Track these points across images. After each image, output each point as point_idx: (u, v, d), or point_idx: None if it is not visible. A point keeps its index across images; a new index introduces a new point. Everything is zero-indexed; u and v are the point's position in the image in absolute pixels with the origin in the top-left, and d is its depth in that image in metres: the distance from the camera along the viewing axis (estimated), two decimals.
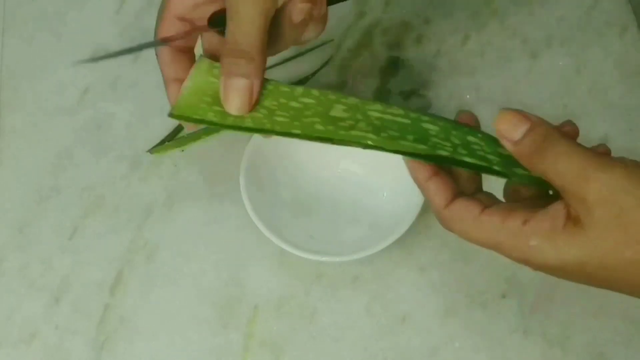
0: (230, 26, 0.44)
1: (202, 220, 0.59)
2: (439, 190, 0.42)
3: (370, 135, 0.43)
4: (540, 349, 0.54)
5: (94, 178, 0.61)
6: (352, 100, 0.44)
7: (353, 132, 0.43)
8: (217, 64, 0.45)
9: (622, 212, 0.37)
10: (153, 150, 0.62)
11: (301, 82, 0.64)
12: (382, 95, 0.64)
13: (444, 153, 0.43)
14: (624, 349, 0.54)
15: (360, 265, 0.57)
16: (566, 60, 0.65)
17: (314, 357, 0.54)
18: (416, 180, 0.43)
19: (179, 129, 0.63)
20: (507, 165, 0.42)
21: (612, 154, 0.40)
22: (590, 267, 0.38)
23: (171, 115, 0.45)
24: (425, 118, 0.44)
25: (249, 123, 0.44)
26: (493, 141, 0.43)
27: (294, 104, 0.44)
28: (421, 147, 0.43)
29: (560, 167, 0.38)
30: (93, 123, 0.63)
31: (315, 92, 0.45)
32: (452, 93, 0.64)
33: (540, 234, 0.39)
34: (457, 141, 0.43)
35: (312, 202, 0.58)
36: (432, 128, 0.43)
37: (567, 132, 0.41)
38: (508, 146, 0.40)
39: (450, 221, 0.42)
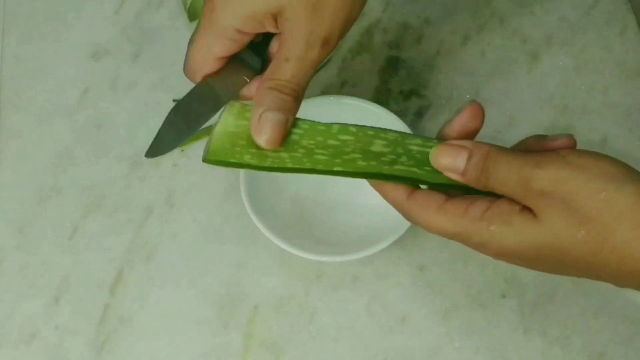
0: (289, 63, 0.44)
1: (202, 220, 0.59)
2: (396, 186, 0.43)
3: (414, 170, 0.43)
4: (540, 349, 0.54)
5: (94, 178, 0.61)
6: (391, 135, 0.44)
7: (396, 167, 0.43)
8: (248, 107, 0.44)
9: (567, 198, 0.38)
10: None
11: None
12: (382, 95, 0.64)
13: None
14: (624, 349, 0.54)
15: (360, 265, 0.57)
16: (566, 60, 0.65)
17: (314, 357, 0.54)
18: (371, 183, 0.44)
19: None
20: None
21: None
22: (546, 250, 0.39)
23: (206, 160, 0.43)
24: None
25: (288, 163, 0.43)
26: None
27: (331, 141, 0.44)
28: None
29: (503, 176, 0.40)
30: (93, 123, 0.63)
31: (352, 128, 0.44)
32: (452, 93, 0.64)
33: (499, 218, 0.40)
34: None
35: (312, 202, 0.58)
36: None
37: (563, 144, 0.42)
38: (456, 178, 0.41)
39: (414, 211, 0.43)
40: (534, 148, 0.43)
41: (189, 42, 0.47)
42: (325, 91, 0.64)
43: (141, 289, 0.57)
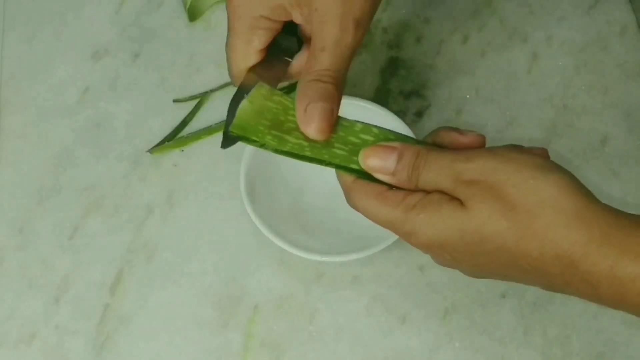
0: (325, 52, 0.44)
1: (202, 220, 0.59)
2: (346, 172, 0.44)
3: None
4: (540, 349, 0.54)
5: (94, 178, 0.61)
6: (411, 141, 0.44)
7: None
8: (276, 91, 0.45)
9: (495, 186, 0.39)
10: (153, 150, 0.62)
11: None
12: (382, 95, 0.64)
13: None
14: (624, 349, 0.54)
15: (360, 265, 0.57)
16: (566, 60, 0.65)
17: (314, 357, 0.54)
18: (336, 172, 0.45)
19: (179, 129, 0.63)
20: None
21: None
22: (469, 237, 0.40)
23: (231, 132, 0.44)
24: None
25: (307, 152, 0.44)
26: None
27: (352, 138, 0.44)
28: None
29: (433, 174, 0.41)
30: (93, 123, 0.63)
31: (375, 129, 0.44)
32: (452, 93, 0.64)
33: (429, 207, 0.41)
34: None
35: (312, 202, 0.58)
36: None
37: (471, 141, 0.43)
38: (387, 179, 0.42)
39: (355, 196, 0.43)
40: (445, 141, 0.44)
41: (226, 46, 0.47)
42: None
43: (141, 289, 0.57)
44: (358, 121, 0.45)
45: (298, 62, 0.48)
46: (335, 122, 0.44)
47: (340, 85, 0.44)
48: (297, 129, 0.44)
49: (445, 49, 0.66)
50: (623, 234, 0.37)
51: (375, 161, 0.42)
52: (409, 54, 0.66)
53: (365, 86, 0.64)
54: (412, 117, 0.63)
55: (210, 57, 0.66)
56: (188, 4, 0.67)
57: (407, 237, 0.42)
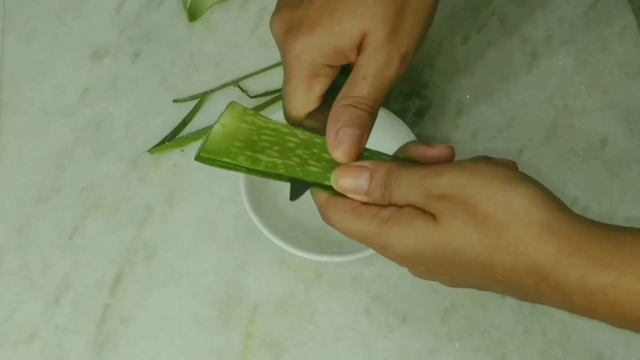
0: (365, 80, 0.44)
1: (202, 220, 0.59)
2: (320, 189, 0.44)
3: None
4: (541, 349, 0.54)
5: (94, 178, 0.61)
6: (384, 157, 0.45)
7: None
8: (249, 111, 0.45)
9: (466, 200, 0.39)
10: (153, 150, 0.62)
11: None
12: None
13: None
14: (624, 349, 0.54)
15: (360, 265, 0.57)
16: (566, 60, 0.65)
17: (314, 357, 0.54)
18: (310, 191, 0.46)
19: (179, 129, 0.63)
20: None
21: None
22: (442, 250, 0.40)
23: (199, 157, 0.44)
24: None
25: (280, 170, 0.44)
26: None
27: (326, 155, 0.44)
28: None
29: (405, 190, 0.41)
30: (93, 123, 0.63)
31: None
32: (452, 93, 0.64)
33: (403, 218, 0.41)
34: None
35: (313, 202, 0.58)
36: None
37: (440, 153, 0.43)
38: (360, 198, 0.42)
39: (330, 212, 0.44)
40: (414, 155, 0.44)
41: (282, 92, 0.47)
42: None
43: (141, 289, 0.57)
44: None
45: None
46: (362, 150, 0.44)
47: (375, 115, 0.45)
48: (271, 147, 0.44)
49: (445, 49, 0.66)
50: (593, 244, 0.38)
51: (347, 181, 0.43)
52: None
53: None
54: (412, 117, 0.63)
55: (210, 57, 0.66)
56: (188, 4, 0.67)
57: (382, 250, 0.43)
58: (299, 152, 0.44)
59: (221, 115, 0.44)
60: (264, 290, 0.57)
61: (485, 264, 0.39)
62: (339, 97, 0.45)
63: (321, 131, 0.45)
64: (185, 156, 0.62)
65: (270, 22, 0.47)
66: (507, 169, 0.40)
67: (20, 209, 0.60)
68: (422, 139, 0.56)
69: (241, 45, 0.67)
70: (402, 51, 0.44)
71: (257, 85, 0.65)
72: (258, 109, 0.63)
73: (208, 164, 0.44)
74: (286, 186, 0.44)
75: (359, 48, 0.45)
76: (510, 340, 0.54)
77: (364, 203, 0.43)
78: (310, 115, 0.47)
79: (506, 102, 0.64)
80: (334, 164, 0.44)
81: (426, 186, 0.40)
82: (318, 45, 0.45)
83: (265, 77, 0.65)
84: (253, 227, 0.54)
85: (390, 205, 0.42)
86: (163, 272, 0.57)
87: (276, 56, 0.66)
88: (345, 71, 0.48)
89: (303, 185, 0.44)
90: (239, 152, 0.43)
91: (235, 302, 0.56)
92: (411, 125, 0.58)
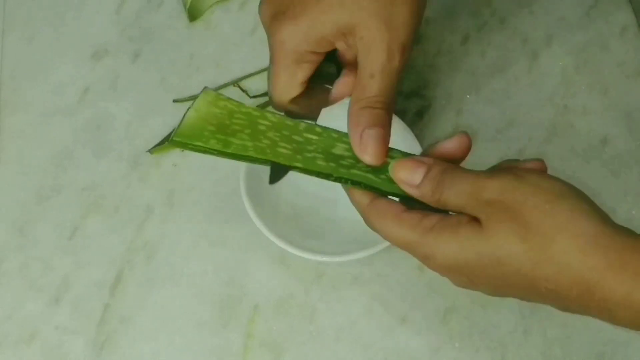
0: (374, 79, 0.45)
1: (202, 220, 0.59)
2: (362, 192, 0.45)
3: (370, 176, 0.45)
4: (541, 349, 0.54)
5: (94, 178, 0.61)
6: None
7: (353, 171, 0.45)
8: (222, 96, 0.45)
9: (513, 206, 0.39)
10: (153, 150, 0.62)
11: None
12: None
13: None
14: (623, 349, 0.54)
15: (360, 265, 0.57)
16: (566, 60, 0.65)
17: (314, 357, 0.54)
18: (344, 188, 0.46)
19: None
20: None
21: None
22: (487, 259, 0.40)
23: (172, 141, 0.44)
24: None
25: (250, 152, 0.44)
26: None
27: (296, 137, 0.45)
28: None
29: (457, 189, 0.41)
30: (93, 123, 0.63)
31: (318, 129, 0.46)
32: (452, 93, 0.64)
33: (447, 229, 0.41)
34: None
35: (312, 201, 0.58)
36: None
37: (533, 168, 0.43)
38: (410, 191, 0.43)
39: (373, 218, 0.44)
40: (436, 154, 0.44)
41: (267, 77, 0.48)
42: None
43: (141, 289, 0.57)
44: (302, 121, 0.46)
45: (338, 88, 0.49)
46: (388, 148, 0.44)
47: (391, 109, 0.45)
48: (242, 130, 0.45)
49: (445, 49, 0.66)
50: (639, 258, 0.37)
51: (403, 173, 0.43)
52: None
53: None
54: (412, 117, 0.63)
55: (210, 57, 0.66)
56: (188, 4, 0.67)
57: (424, 260, 0.42)
58: (270, 134, 0.45)
59: (195, 101, 0.45)
60: (264, 290, 0.57)
61: (528, 275, 0.39)
62: (352, 101, 0.45)
63: (305, 117, 0.46)
64: (185, 156, 0.62)
65: (259, 7, 0.48)
66: (556, 181, 0.40)
67: (20, 209, 0.60)
68: (420, 139, 0.56)
69: (241, 45, 0.67)
70: (401, 40, 0.45)
71: (257, 85, 0.65)
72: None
73: (181, 147, 0.44)
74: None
75: (347, 36, 0.45)
76: (510, 340, 0.54)
77: (407, 209, 0.43)
78: (294, 100, 0.48)
79: (506, 102, 0.64)
80: (303, 146, 0.45)
81: (477, 187, 0.40)
82: (302, 32, 0.45)
83: (265, 77, 0.65)
84: (253, 227, 0.54)
85: (438, 203, 0.42)
86: (163, 272, 0.57)
87: None
88: (329, 57, 0.48)
89: (283, 168, 0.45)
90: (211, 136, 0.44)
91: (235, 302, 0.56)
92: (411, 125, 0.58)
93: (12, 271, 0.58)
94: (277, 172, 0.46)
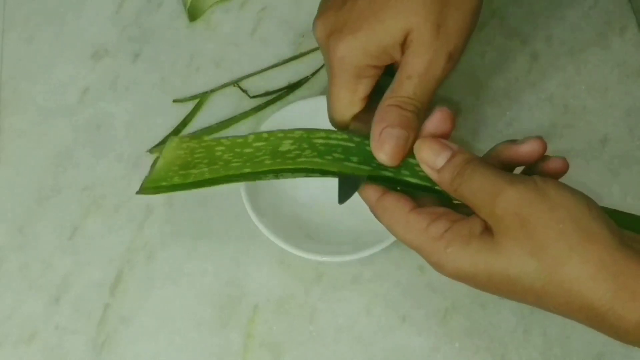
0: (411, 80, 0.44)
1: (202, 220, 0.59)
2: (371, 187, 0.44)
3: (316, 160, 0.45)
4: (541, 349, 0.54)
5: (94, 178, 0.61)
6: (297, 133, 0.47)
7: (299, 160, 0.46)
8: (185, 138, 0.49)
9: (527, 222, 0.38)
10: (153, 150, 0.62)
11: (300, 82, 0.64)
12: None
13: (387, 174, 0.45)
14: (623, 349, 0.54)
15: (360, 265, 0.57)
16: (566, 60, 0.65)
17: (314, 357, 0.54)
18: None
19: (179, 129, 0.63)
20: None
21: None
22: (497, 277, 0.39)
23: (144, 189, 0.48)
24: (368, 142, 0.45)
25: (207, 175, 0.47)
26: None
27: (247, 150, 0.47)
28: (365, 168, 0.45)
29: (475, 185, 0.40)
30: (93, 123, 0.63)
31: (265, 134, 0.48)
32: (452, 93, 0.64)
33: (457, 240, 0.40)
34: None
35: (312, 201, 0.58)
36: None
37: (554, 169, 0.43)
38: (430, 173, 0.42)
39: (380, 214, 0.44)
40: (504, 155, 0.44)
41: (327, 97, 0.48)
42: (325, 91, 0.64)
43: (141, 289, 0.57)
44: (251, 133, 0.48)
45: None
46: (408, 153, 0.43)
47: (421, 115, 0.44)
48: (202, 161, 0.48)
49: None
50: None
51: (427, 154, 0.42)
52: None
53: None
54: None
55: (210, 57, 0.66)
56: (188, 4, 0.67)
57: (434, 266, 0.42)
58: (225, 156, 0.47)
59: (163, 151, 0.49)
60: (264, 290, 0.57)
61: (538, 293, 0.39)
62: (384, 97, 0.44)
63: (367, 133, 0.45)
64: None
65: (313, 26, 0.47)
66: (576, 199, 0.39)
67: (20, 209, 0.60)
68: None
69: (241, 45, 0.67)
70: (448, 49, 0.44)
71: (257, 85, 0.65)
72: (258, 109, 0.63)
73: (153, 193, 0.48)
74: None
75: (403, 46, 0.44)
76: (510, 340, 0.54)
77: (415, 208, 0.42)
78: (355, 117, 0.47)
79: (506, 102, 0.64)
80: (254, 154, 0.47)
81: (495, 189, 0.39)
82: (362, 46, 0.44)
83: (265, 77, 0.65)
84: (253, 227, 0.54)
85: (454, 194, 0.41)
86: (163, 272, 0.57)
87: (276, 56, 0.66)
88: (389, 72, 0.47)
89: (351, 185, 0.45)
90: (174, 174, 0.48)
91: (235, 302, 0.56)
92: None
93: (12, 271, 0.58)
94: (346, 190, 0.46)
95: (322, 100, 0.58)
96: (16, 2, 0.69)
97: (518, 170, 0.45)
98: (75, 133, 0.63)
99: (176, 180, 0.47)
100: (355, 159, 0.45)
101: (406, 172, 0.45)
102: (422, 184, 0.45)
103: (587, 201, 0.39)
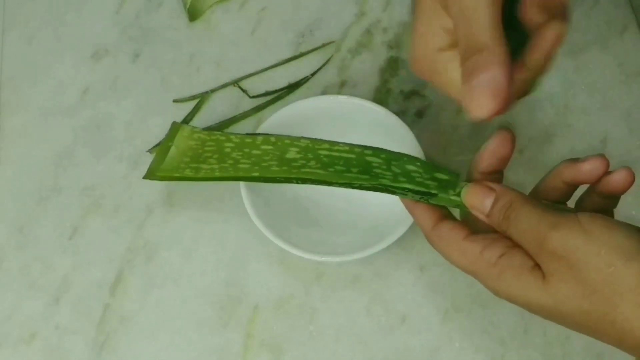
0: (461, 28, 0.40)
1: (202, 220, 0.59)
2: (425, 213, 0.46)
3: (319, 171, 0.48)
4: (540, 349, 0.54)
5: (94, 178, 0.61)
6: (303, 142, 0.49)
7: (304, 170, 0.48)
8: (196, 129, 0.53)
9: (576, 267, 0.39)
10: (153, 150, 0.62)
11: (300, 82, 0.64)
12: (382, 95, 0.64)
13: (385, 182, 0.46)
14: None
15: (360, 265, 0.57)
16: (566, 60, 0.65)
17: (314, 357, 0.54)
18: (405, 205, 0.48)
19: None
20: (442, 189, 0.46)
21: (612, 154, 0.41)
22: (548, 311, 0.41)
23: (156, 176, 0.52)
24: (369, 152, 0.48)
25: (217, 173, 0.50)
26: (430, 168, 0.47)
27: (255, 151, 0.50)
28: (364, 177, 0.47)
29: (520, 229, 0.41)
30: (93, 123, 0.63)
31: (272, 138, 0.50)
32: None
33: (510, 269, 0.41)
34: (397, 170, 0.47)
35: (312, 201, 0.58)
36: (374, 160, 0.48)
37: (617, 181, 0.44)
38: (482, 218, 0.43)
39: (435, 243, 0.45)
40: (565, 175, 0.44)
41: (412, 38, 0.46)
42: (325, 91, 0.64)
43: (141, 289, 0.57)
44: (260, 134, 0.51)
45: (530, 56, 0.45)
46: (507, 104, 0.39)
47: (497, 46, 0.39)
48: (212, 156, 0.51)
49: None
50: None
51: (474, 200, 0.44)
52: (409, 54, 0.66)
53: (365, 86, 0.64)
54: (412, 117, 0.63)
55: (210, 57, 0.66)
56: (188, 4, 0.67)
57: (490, 290, 0.43)
58: (234, 154, 0.51)
59: (174, 139, 0.53)
60: (264, 290, 0.57)
61: (591, 329, 0.40)
62: (460, 58, 0.41)
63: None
64: None
65: None
66: (624, 237, 0.39)
67: (20, 209, 0.60)
68: (420, 139, 0.56)
69: (241, 45, 0.67)
70: None
71: (257, 85, 0.65)
72: (258, 109, 0.63)
73: (163, 180, 0.52)
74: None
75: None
76: (510, 340, 0.54)
77: (469, 235, 0.43)
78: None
79: None
80: (262, 157, 0.49)
81: (541, 235, 0.40)
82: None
83: (265, 77, 0.65)
84: (253, 227, 0.54)
85: (505, 234, 0.42)
86: (163, 272, 0.57)
87: (276, 56, 0.66)
88: (509, 25, 0.43)
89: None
90: (186, 166, 0.51)
91: (235, 302, 0.56)
92: (411, 125, 0.57)
93: (12, 271, 0.58)
94: None
95: (322, 100, 0.59)
96: (16, 2, 0.69)
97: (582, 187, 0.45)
98: (75, 133, 0.63)
99: (188, 173, 0.51)
100: (355, 169, 0.48)
101: (403, 179, 0.46)
102: (418, 189, 0.46)
103: (637, 237, 0.39)
